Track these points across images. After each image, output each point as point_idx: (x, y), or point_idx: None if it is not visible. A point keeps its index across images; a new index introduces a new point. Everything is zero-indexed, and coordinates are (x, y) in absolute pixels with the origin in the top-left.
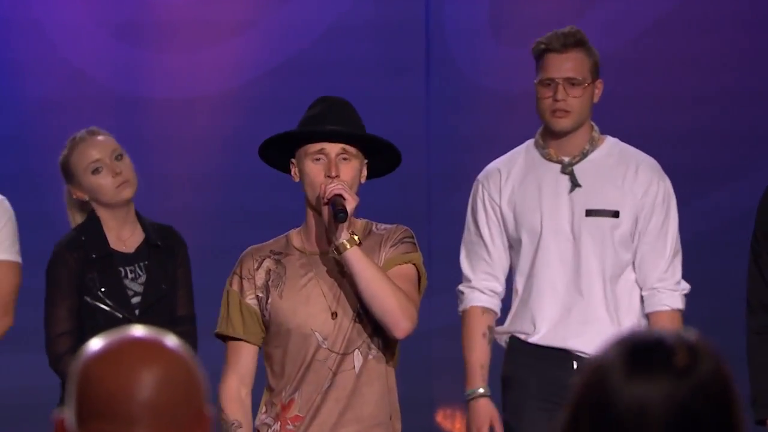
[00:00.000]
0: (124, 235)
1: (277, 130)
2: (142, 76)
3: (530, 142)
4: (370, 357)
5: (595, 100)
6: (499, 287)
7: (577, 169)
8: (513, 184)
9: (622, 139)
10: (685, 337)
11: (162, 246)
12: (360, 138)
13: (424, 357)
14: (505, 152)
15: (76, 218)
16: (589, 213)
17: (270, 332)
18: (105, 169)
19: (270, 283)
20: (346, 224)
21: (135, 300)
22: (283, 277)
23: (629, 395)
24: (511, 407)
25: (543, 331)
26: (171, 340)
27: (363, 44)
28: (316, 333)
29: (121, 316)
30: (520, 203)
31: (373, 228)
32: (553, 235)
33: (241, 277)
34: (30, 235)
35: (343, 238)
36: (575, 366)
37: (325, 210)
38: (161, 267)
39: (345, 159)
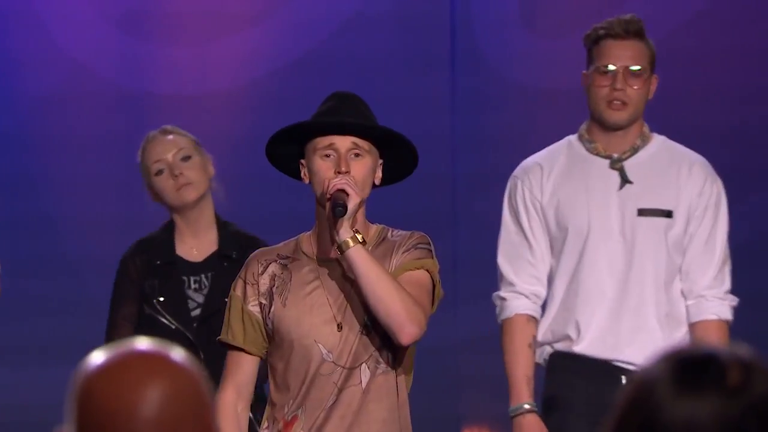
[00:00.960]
0: (194, 242)
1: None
2: (148, 72)
3: (572, 137)
4: (379, 372)
5: (650, 96)
6: (544, 291)
7: (628, 165)
8: (555, 180)
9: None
10: (738, 353)
11: (237, 258)
12: (373, 130)
13: (449, 372)
14: (538, 152)
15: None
16: (642, 212)
17: (273, 343)
18: (166, 170)
19: (274, 289)
20: (346, 220)
21: (195, 312)
22: (288, 284)
23: (677, 413)
24: (556, 430)
25: (590, 339)
26: (177, 354)
27: (383, 38)
28: (320, 345)
29: (173, 327)
30: (564, 201)
31: (389, 234)
32: (602, 236)
33: (245, 282)
34: (29, 238)
35: (345, 235)
36: (624, 381)
37: (327, 205)
38: (229, 279)
39: (357, 155)
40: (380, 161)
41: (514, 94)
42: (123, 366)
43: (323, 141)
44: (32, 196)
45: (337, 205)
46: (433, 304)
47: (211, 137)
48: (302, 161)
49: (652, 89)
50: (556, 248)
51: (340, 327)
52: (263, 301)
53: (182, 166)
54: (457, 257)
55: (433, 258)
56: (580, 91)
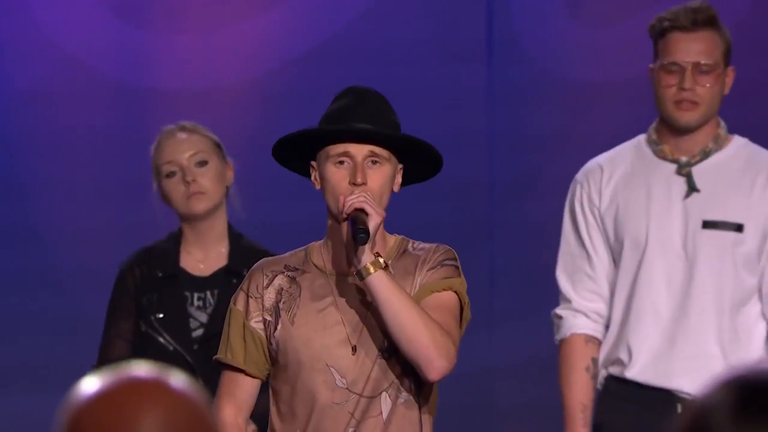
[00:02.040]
0: (201, 255)
1: (309, 125)
2: (148, 64)
3: (641, 137)
4: (401, 401)
5: (726, 90)
6: (605, 309)
7: (696, 171)
8: (616, 184)
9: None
10: None
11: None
12: (393, 139)
13: (484, 400)
14: (584, 154)
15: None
16: (707, 225)
17: (278, 364)
18: (179, 174)
19: (281, 304)
20: (368, 246)
21: (197, 333)
22: (297, 299)
23: None
24: None
25: (641, 364)
26: (176, 380)
27: (410, 26)
28: (333, 369)
29: (172, 348)
30: (623, 207)
31: (409, 247)
32: (660, 249)
33: (247, 295)
34: (13, 250)
35: (366, 260)
36: (680, 410)
37: (344, 227)
38: None
39: (374, 162)
40: (400, 166)
41: (558, 88)
42: (117, 395)
43: (337, 148)
44: (17, 202)
45: (358, 230)
46: (460, 330)
47: (219, 135)
48: (313, 164)
49: (728, 83)
50: (616, 260)
51: (354, 350)
52: (268, 318)
53: (196, 173)
54: (494, 272)
55: (460, 276)
56: (630, 84)
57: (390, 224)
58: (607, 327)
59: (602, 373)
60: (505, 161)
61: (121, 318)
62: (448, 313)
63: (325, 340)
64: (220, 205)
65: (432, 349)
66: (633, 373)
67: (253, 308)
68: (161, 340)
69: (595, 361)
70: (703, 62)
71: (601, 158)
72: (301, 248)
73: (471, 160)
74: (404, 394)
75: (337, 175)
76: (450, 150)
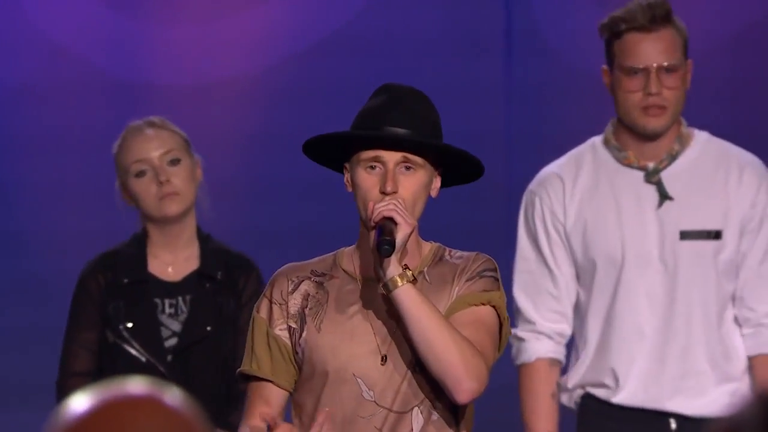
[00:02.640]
0: (171, 258)
1: (313, 124)
2: (141, 57)
3: (596, 140)
4: (434, 418)
5: (687, 86)
6: (568, 329)
7: (666, 176)
8: (581, 196)
9: (727, 137)
10: None
11: (222, 279)
12: (427, 147)
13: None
14: (557, 159)
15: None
16: (685, 235)
17: (302, 375)
18: (150, 173)
19: (307, 311)
20: (395, 257)
21: (170, 342)
22: (324, 306)
23: None
24: None
25: (631, 389)
26: (171, 397)
27: (421, 16)
28: (360, 380)
29: (145, 360)
30: (591, 223)
31: (446, 255)
32: (639, 264)
33: (271, 302)
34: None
35: (394, 272)
36: (673, 426)
37: (372, 235)
38: (211, 303)
39: (408, 168)
40: (437, 170)
41: (583, 83)
42: (110, 413)
43: (368, 153)
44: (0, 206)
45: (383, 242)
46: (499, 348)
47: (218, 134)
48: (346, 165)
49: (689, 78)
50: (585, 281)
51: (384, 360)
52: (293, 325)
53: (170, 172)
54: (511, 281)
55: (500, 289)
56: None
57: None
58: (568, 347)
59: (578, 393)
60: (524, 164)
61: (86, 328)
62: (485, 330)
63: (353, 349)
64: (192, 205)
65: (461, 369)
66: (621, 398)
67: (277, 315)
68: (132, 351)
69: (558, 385)
70: (666, 64)
71: (557, 167)
72: (329, 254)
73: (486, 163)
74: (438, 412)
75: (367, 180)
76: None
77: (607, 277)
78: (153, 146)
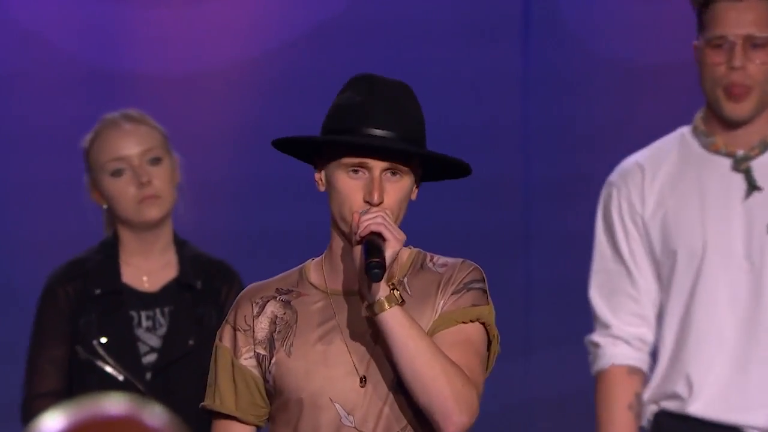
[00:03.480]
0: (148, 268)
1: (308, 118)
2: (121, 43)
3: (686, 129)
4: None
5: None
6: (650, 335)
7: (756, 165)
8: (662, 185)
9: None
10: None
11: (202, 288)
12: (417, 156)
13: None
14: (641, 148)
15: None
16: None
17: (275, 405)
18: (128, 173)
19: (275, 335)
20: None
21: (149, 358)
22: (293, 327)
23: None
24: None
25: (707, 397)
26: (153, 417)
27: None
28: (338, 405)
29: (122, 378)
30: (672, 214)
31: (428, 262)
32: (721, 260)
33: (234, 329)
34: None
35: (381, 294)
36: None
37: (357, 251)
38: (192, 316)
39: (394, 174)
40: (420, 173)
41: (608, 73)
42: None
43: (352, 158)
44: None
45: (373, 264)
46: (487, 367)
47: (199, 130)
48: (319, 161)
49: None
50: (663, 278)
51: (363, 381)
52: (261, 351)
53: (151, 172)
54: (531, 291)
55: (489, 303)
56: (693, 68)
57: (411, 234)
58: (653, 355)
59: (651, 409)
60: (544, 160)
61: (53, 343)
62: (473, 351)
63: (328, 372)
64: (171, 210)
65: (451, 402)
66: (696, 407)
67: (242, 343)
68: (107, 368)
69: (638, 396)
70: (756, 34)
71: (640, 156)
72: (293, 269)
73: (502, 159)
74: None
75: (349, 186)
76: (477, 147)
77: (686, 273)
78: (132, 143)
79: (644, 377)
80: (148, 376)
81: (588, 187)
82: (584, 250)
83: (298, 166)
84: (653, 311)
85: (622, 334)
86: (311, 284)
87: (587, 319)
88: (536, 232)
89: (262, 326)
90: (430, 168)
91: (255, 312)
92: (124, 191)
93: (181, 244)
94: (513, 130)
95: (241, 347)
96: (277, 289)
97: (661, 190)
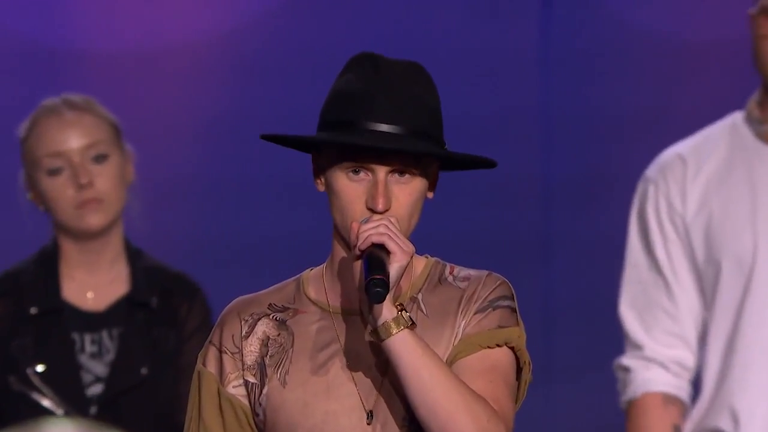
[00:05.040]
0: (93, 282)
1: (294, 102)
2: (63, 15)
3: (737, 116)
4: None
5: None
6: (690, 358)
7: None
8: (707, 182)
9: None
10: None
11: (158, 306)
12: (429, 155)
13: None
14: (683, 138)
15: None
16: None
17: None
18: (67, 172)
19: (267, 359)
20: (389, 297)
21: (94, 390)
22: (288, 351)
23: None
24: None
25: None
26: None
27: None
28: None
29: (62, 413)
30: (719, 215)
31: (447, 274)
32: None
33: (220, 351)
34: None
35: (386, 316)
36: None
37: (357, 266)
38: (146, 339)
39: (402, 175)
40: (436, 170)
41: (641, 50)
42: None
43: (351, 162)
44: None
45: (374, 282)
46: (517, 399)
47: (163, 118)
48: (317, 157)
49: None
50: (707, 292)
51: (370, 417)
52: (251, 379)
53: (94, 171)
54: (551, 307)
55: (519, 323)
56: (747, 45)
57: (415, 240)
58: (694, 384)
59: None
60: (566, 155)
61: None
62: (501, 381)
63: (329, 406)
64: (119, 215)
65: None
66: None
67: (229, 368)
68: (44, 401)
69: (677, 430)
70: None
71: (683, 147)
72: (290, 280)
73: (517, 154)
74: None
75: (350, 190)
76: (487, 140)
77: (732, 287)
78: (73, 136)
79: (683, 408)
80: (93, 410)
81: (619, 185)
82: (614, 259)
83: (281, 161)
84: (694, 331)
85: (656, 357)
86: (310, 300)
87: (618, 340)
88: (558, 238)
89: (251, 348)
90: (450, 162)
91: (244, 331)
92: (61, 193)
93: (133, 255)
94: (530, 117)
95: (228, 373)
96: (270, 304)
97: (706, 186)
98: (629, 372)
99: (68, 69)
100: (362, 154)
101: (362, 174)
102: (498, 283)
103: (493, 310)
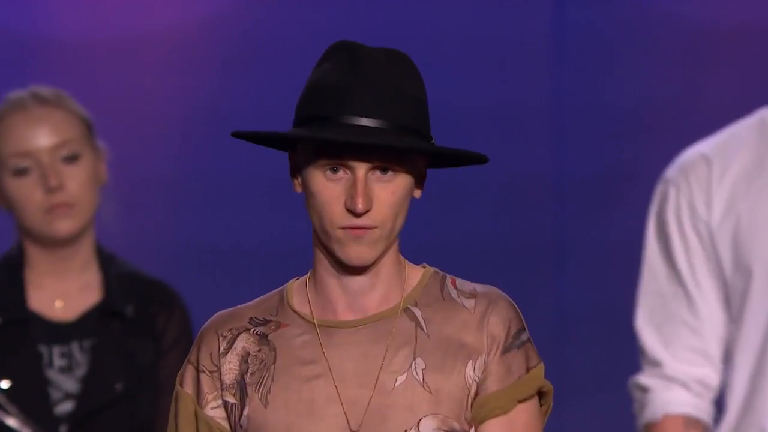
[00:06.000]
0: (63, 290)
1: (277, 94)
2: (51, 8)
3: (765, 112)
4: None
5: None
6: (714, 377)
7: None
8: (734, 184)
9: None
10: None
11: (134, 316)
12: (412, 151)
13: None
14: (707, 136)
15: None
16: None
17: None
18: (35, 173)
19: (248, 377)
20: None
21: (63, 407)
22: (270, 368)
23: None
24: None
25: None
26: None
27: None
28: None
29: None
30: (747, 220)
31: (449, 286)
32: None
33: (198, 370)
34: None
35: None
36: None
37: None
38: (121, 352)
39: (384, 172)
40: (423, 164)
41: (665, 37)
42: None
43: (328, 159)
44: None
45: None
46: None
47: (139, 112)
48: (294, 157)
49: None
50: (734, 304)
51: None
52: (231, 399)
53: (64, 173)
54: (564, 318)
55: (539, 359)
56: None
57: (405, 247)
58: (718, 404)
59: None
60: (580, 152)
61: None
62: None
63: (314, 427)
64: (92, 218)
65: None
66: None
67: (207, 388)
68: (9, 421)
69: None
70: None
71: (706, 146)
72: (273, 292)
73: (527, 152)
74: None
75: (327, 190)
76: (494, 136)
77: (763, 298)
78: (42, 134)
79: (705, 429)
80: (63, 430)
81: (637, 187)
82: (632, 267)
83: (266, 159)
84: (719, 347)
85: (677, 375)
86: (294, 311)
87: (635, 356)
88: (571, 244)
89: (231, 366)
90: (437, 157)
91: (222, 348)
92: (28, 196)
93: (106, 260)
94: (541, 111)
95: (206, 393)
96: (250, 318)
97: (733, 189)
98: (647, 392)
99: (36, 58)
100: (340, 151)
101: (341, 172)
102: (512, 308)
103: (518, 348)
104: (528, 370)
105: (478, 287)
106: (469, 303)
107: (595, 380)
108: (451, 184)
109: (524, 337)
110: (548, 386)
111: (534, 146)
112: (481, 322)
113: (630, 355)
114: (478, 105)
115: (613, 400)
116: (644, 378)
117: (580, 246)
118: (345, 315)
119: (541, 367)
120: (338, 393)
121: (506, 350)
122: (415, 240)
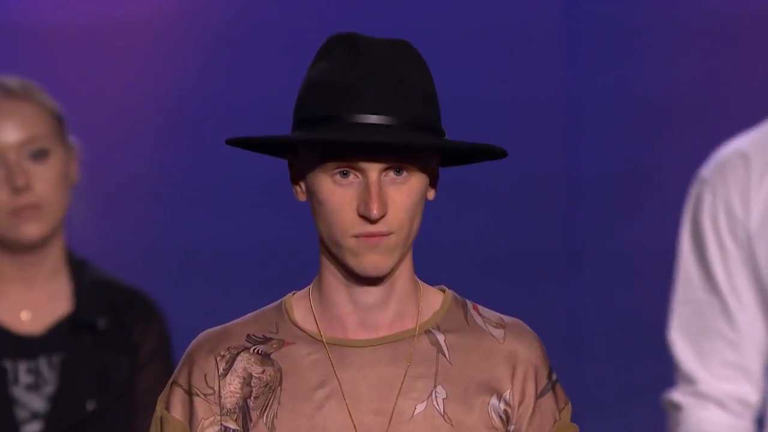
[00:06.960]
0: (29, 300)
1: (269, 88)
2: None
3: None
4: None
5: None
6: (754, 392)
7: None
8: None
9: None
10: None
11: (107, 328)
12: (430, 148)
13: None
14: (728, 136)
15: None
16: None
17: None
18: (1, 172)
19: (251, 401)
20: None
21: (30, 428)
22: (276, 390)
23: None
24: None
25: None
26: None
27: None
28: None
29: None
30: None
31: (473, 313)
32: None
33: (189, 393)
34: None
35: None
36: None
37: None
38: (93, 367)
39: (398, 173)
40: (436, 161)
41: (685, 25)
42: None
43: (337, 162)
44: None
45: None
46: None
47: (113, 105)
48: (293, 162)
49: None
50: None
51: None
52: (232, 425)
53: (32, 171)
54: (579, 328)
55: (567, 399)
56: None
57: (423, 251)
58: (759, 422)
59: None
60: (596, 149)
61: None
62: None
63: None
64: (61, 221)
65: None
66: None
67: (203, 413)
68: None
69: None
70: None
71: (744, 142)
72: (268, 306)
73: (537, 150)
74: None
75: (337, 196)
76: (502, 134)
77: None
78: (8, 129)
79: None
80: None
81: (655, 187)
82: (650, 271)
83: (253, 157)
84: (759, 361)
85: (713, 393)
86: (298, 328)
87: (662, 371)
88: (586, 248)
89: (231, 389)
90: (452, 154)
91: (221, 369)
92: None
93: (77, 267)
94: (553, 110)
95: (202, 419)
96: (248, 336)
97: None
98: (681, 410)
99: (0, 46)
100: (350, 153)
101: (351, 176)
102: (541, 345)
103: (551, 391)
104: (560, 412)
105: (504, 317)
106: (498, 333)
107: (613, 396)
108: (459, 185)
109: (555, 375)
110: (574, 428)
111: (546, 144)
112: (510, 358)
113: (651, 368)
114: (487, 102)
115: (634, 418)
116: (678, 395)
117: (594, 251)
118: (356, 333)
119: (569, 409)
120: (352, 419)
121: (544, 392)
122: (422, 244)
